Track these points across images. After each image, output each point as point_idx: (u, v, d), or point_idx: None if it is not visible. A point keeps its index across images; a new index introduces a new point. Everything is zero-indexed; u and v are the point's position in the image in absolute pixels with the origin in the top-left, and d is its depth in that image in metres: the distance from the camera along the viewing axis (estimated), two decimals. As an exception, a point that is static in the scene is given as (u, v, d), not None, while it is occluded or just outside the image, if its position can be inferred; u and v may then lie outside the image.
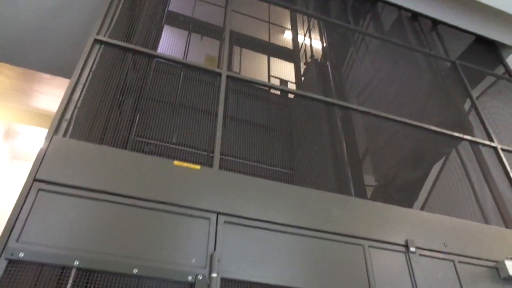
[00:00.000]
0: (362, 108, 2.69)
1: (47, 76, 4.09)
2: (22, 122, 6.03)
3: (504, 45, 3.93)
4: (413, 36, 3.74)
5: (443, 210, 2.64)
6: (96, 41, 2.09)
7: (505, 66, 3.81)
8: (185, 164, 1.72)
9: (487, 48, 3.98)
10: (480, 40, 3.94)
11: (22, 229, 1.39)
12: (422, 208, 2.72)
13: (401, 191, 3.04)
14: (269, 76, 3.27)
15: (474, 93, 3.47)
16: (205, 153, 2.08)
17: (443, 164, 3.06)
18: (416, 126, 2.78)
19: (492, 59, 3.92)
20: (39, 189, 1.50)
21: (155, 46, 2.81)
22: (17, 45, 3.65)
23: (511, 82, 3.67)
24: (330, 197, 2.05)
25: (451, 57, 3.61)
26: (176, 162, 1.72)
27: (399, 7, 3.70)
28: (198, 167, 1.75)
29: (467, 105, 3.37)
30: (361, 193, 2.68)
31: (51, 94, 4.73)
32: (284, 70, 3.42)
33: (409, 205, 2.79)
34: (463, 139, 2.88)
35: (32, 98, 5.04)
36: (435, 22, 3.85)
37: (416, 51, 3.49)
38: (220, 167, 1.93)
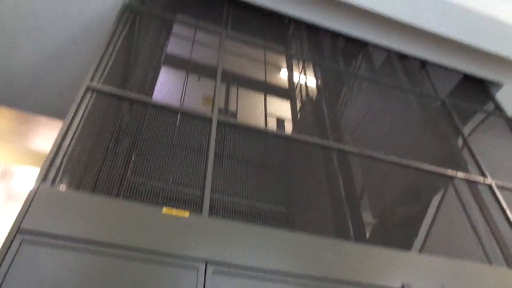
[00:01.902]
0: (355, 150, 2.71)
1: (43, 118, 4.14)
2: (19, 162, 6.04)
3: (492, 82, 4.00)
4: (403, 74, 3.82)
5: (443, 249, 2.60)
6: (88, 88, 2.13)
7: (495, 102, 3.87)
8: (174, 212, 1.71)
9: (476, 85, 4.05)
10: (469, 78, 4.02)
11: (1, 284, 1.36)
12: (421, 249, 2.67)
13: (399, 229, 3.01)
14: (265, 115, 3.31)
15: (466, 129, 3.50)
16: (199, 193, 2.06)
17: (441, 200, 3.04)
18: (408, 166, 2.78)
19: (481, 96, 3.98)
20: (22, 240, 1.48)
21: (152, 87, 2.87)
22: (15, 89, 3.72)
23: (501, 118, 3.71)
24: (325, 242, 2.03)
25: (440, 95, 3.67)
26: (164, 210, 1.70)
27: (388, 50, 3.80)
28: (186, 214, 1.74)
29: (460, 140, 3.40)
30: (359, 233, 2.65)
31: (47, 135, 4.77)
32: (281, 108, 3.46)
33: (409, 244, 2.75)
34: (456, 178, 2.88)
35: (28, 139, 5.08)
36: (423, 62, 3.94)
37: (405, 91, 3.56)
38: (212, 210, 1.91)
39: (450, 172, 2.88)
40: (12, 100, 3.88)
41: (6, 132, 5.05)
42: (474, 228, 2.77)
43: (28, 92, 3.70)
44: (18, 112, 4.31)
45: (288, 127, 3.31)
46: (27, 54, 3.41)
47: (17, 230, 1.50)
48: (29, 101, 3.79)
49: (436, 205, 2.96)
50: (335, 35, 3.76)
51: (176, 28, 3.36)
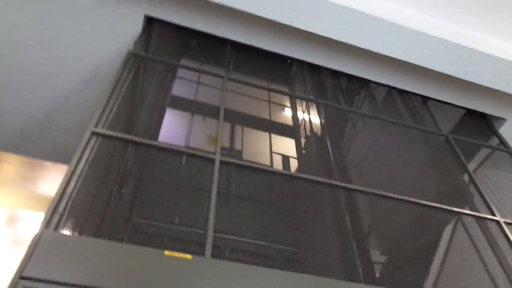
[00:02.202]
0: (362, 188, 2.71)
1: (49, 163, 4.19)
2: (26, 207, 6.06)
3: (495, 117, 4.01)
4: (405, 109, 3.85)
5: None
6: (93, 133, 2.17)
7: (499, 137, 3.86)
8: (176, 254, 1.69)
9: (479, 120, 4.06)
10: (471, 113, 4.04)
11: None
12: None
13: (409, 268, 2.93)
14: (271, 153, 3.32)
15: (472, 165, 3.48)
16: (202, 232, 2.04)
17: (451, 238, 2.97)
18: (416, 204, 2.76)
19: (485, 131, 3.98)
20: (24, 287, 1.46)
21: (157, 129, 2.91)
22: (21, 135, 3.80)
23: (506, 152, 3.69)
24: (334, 284, 1.98)
25: (443, 131, 3.68)
26: (166, 253, 1.69)
27: (389, 87, 3.86)
28: (189, 257, 1.72)
29: (466, 176, 3.36)
30: (369, 273, 2.59)
31: (53, 180, 4.81)
32: (286, 145, 3.49)
33: (420, 283, 2.67)
34: (463, 214, 2.84)
35: (35, 184, 5.12)
36: (425, 98, 3.98)
37: (407, 127, 3.58)
38: (216, 251, 1.89)
39: (457, 209, 2.84)
40: (19, 147, 3.95)
41: (13, 177, 5.11)
42: (485, 266, 2.69)
43: (34, 138, 3.78)
44: (24, 158, 4.38)
45: (294, 163, 3.32)
46: (34, 101, 3.51)
47: (19, 277, 1.49)
48: (35, 147, 3.86)
49: (446, 243, 2.89)
50: (337, 73, 3.84)
51: (181, 72, 3.46)
